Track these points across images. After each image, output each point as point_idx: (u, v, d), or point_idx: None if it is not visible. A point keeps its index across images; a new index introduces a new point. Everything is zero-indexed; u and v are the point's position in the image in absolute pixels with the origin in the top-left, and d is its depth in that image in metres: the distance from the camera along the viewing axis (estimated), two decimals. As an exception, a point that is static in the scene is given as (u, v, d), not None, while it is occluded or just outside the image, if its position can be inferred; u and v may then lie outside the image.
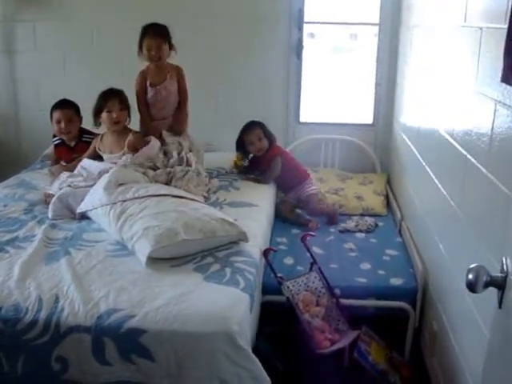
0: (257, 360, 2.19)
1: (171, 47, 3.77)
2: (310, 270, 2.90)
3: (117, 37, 4.52)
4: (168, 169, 3.47)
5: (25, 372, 2.19)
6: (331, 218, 3.77)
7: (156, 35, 3.70)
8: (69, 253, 2.72)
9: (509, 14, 1.56)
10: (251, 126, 3.92)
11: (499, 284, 1.33)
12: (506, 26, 1.54)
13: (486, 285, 1.34)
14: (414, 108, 3.64)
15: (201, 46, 4.47)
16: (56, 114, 3.87)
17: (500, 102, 1.83)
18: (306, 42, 4.58)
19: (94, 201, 3.09)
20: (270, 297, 2.87)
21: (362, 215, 3.92)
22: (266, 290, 2.89)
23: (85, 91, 4.52)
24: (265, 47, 4.49)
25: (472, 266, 1.38)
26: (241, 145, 3.95)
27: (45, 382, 2.21)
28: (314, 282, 2.85)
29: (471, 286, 1.35)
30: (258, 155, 3.93)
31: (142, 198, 3.00)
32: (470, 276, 1.35)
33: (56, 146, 4.07)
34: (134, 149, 3.56)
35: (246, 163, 4.03)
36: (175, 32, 4.38)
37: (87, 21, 4.53)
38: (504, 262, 1.34)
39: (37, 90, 4.73)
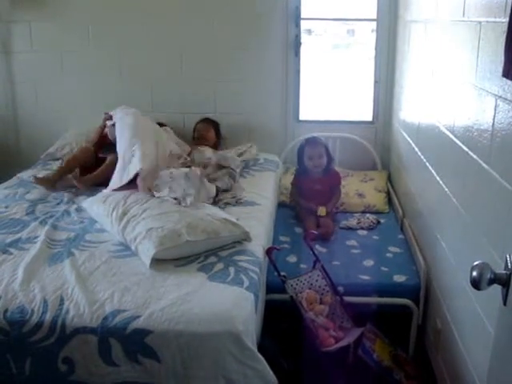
0: (262, 359, 2.21)
1: None
2: (313, 268, 2.91)
3: (113, 35, 4.52)
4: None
5: (32, 373, 2.21)
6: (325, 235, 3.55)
7: None
8: (72, 254, 2.73)
9: (509, 7, 1.56)
10: (316, 142, 3.90)
11: (504, 281, 1.32)
12: (506, 20, 1.53)
13: (490, 282, 1.33)
14: (413, 104, 3.63)
15: (198, 44, 4.47)
16: None
17: (501, 97, 1.83)
18: (304, 38, 4.56)
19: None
20: (273, 295, 2.88)
21: (364, 212, 3.93)
22: (269, 288, 2.89)
23: (83, 91, 4.57)
24: (262, 44, 4.47)
25: (476, 263, 1.37)
26: (300, 155, 3.92)
27: (52, 383, 2.22)
28: (317, 280, 2.86)
29: (475, 284, 1.35)
30: (313, 171, 3.88)
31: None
32: (474, 273, 1.35)
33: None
34: None
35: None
36: (171, 29, 4.42)
37: (83, 20, 4.51)
38: (508, 258, 1.33)
39: (34, 90, 4.72)
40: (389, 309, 2.95)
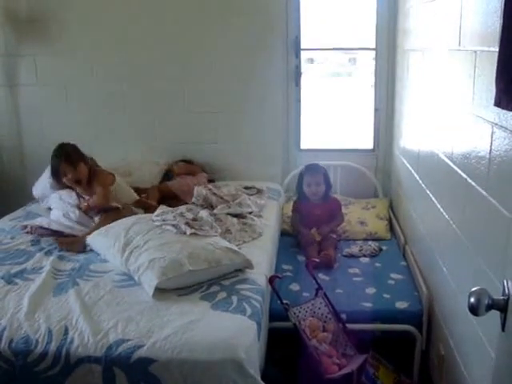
0: (266, 387, 2.21)
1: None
2: (316, 295, 2.92)
3: (117, 69, 4.58)
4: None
5: (37, 403, 2.21)
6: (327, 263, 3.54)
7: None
8: (77, 284, 2.76)
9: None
10: (316, 170, 3.93)
11: (501, 307, 1.33)
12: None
13: (488, 308, 1.34)
14: (413, 132, 3.67)
15: (200, 75, 4.53)
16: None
17: (497, 124, 1.86)
18: (306, 67, 4.61)
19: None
20: (276, 323, 2.88)
21: (366, 240, 3.95)
22: (272, 316, 2.90)
23: (87, 123, 4.62)
24: (263, 75, 4.51)
25: (474, 289, 1.38)
26: (299, 181, 3.98)
27: (56, 412, 2.22)
28: (319, 308, 2.86)
29: (473, 310, 1.36)
30: (311, 198, 3.92)
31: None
32: (472, 299, 1.36)
33: None
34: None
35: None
36: (173, 61, 4.47)
37: (87, 54, 4.57)
38: (505, 284, 1.35)
39: (40, 122, 4.77)
40: (392, 335, 2.95)
